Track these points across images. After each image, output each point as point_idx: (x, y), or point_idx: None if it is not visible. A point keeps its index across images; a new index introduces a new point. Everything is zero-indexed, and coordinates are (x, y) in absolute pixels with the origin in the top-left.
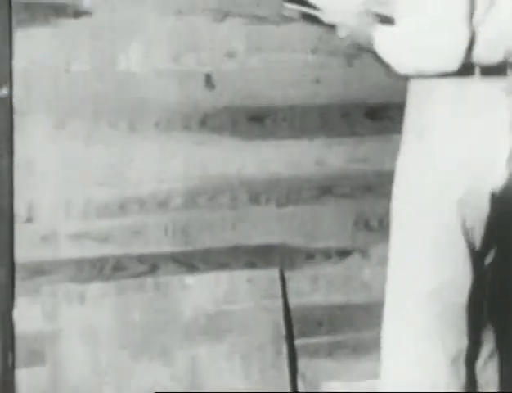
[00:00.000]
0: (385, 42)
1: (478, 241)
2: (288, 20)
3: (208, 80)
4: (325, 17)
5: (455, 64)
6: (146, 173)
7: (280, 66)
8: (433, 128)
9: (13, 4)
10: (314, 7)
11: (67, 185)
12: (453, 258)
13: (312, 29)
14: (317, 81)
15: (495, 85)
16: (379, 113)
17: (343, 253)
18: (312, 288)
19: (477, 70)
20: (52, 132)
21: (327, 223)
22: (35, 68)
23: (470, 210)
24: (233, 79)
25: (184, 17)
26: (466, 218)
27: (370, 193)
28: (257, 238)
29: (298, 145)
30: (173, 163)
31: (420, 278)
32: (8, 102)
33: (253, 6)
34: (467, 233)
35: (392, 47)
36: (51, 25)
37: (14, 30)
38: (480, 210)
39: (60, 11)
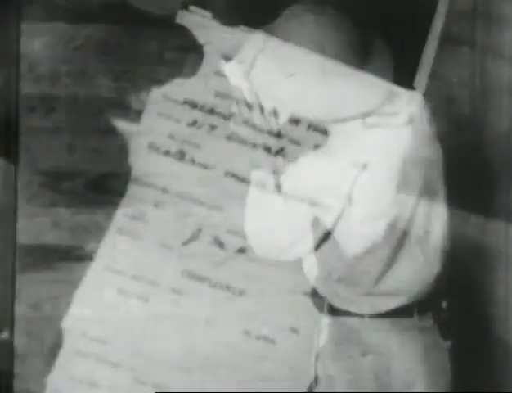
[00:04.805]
0: None
1: None
2: None
3: None
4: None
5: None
6: None
7: None
8: None
9: (18, 248)
10: None
11: None
12: None
13: None
14: None
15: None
16: None
17: None
18: None
19: (326, 307)
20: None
21: None
22: (36, 313)
23: None
24: None
25: None
26: None
27: None
28: None
29: None
30: None
31: None
32: (9, 346)
33: None
34: None
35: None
36: (53, 270)
37: (17, 275)
38: None
39: (63, 256)
